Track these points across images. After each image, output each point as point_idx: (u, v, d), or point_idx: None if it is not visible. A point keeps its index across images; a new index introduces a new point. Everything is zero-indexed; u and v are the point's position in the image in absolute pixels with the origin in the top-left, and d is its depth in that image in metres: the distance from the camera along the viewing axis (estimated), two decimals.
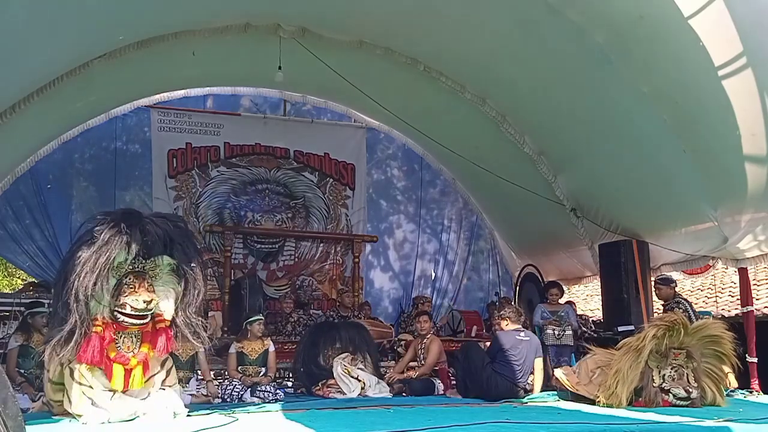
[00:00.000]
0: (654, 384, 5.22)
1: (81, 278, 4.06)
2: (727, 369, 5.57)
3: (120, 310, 4.25)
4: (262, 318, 6.69)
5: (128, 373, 4.30)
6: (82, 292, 4.06)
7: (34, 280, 8.64)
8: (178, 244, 4.44)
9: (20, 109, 5.99)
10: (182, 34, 6.60)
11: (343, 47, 7.21)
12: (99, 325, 4.22)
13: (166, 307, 4.43)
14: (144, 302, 4.25)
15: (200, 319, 4.51)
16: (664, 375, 5.24)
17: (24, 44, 5.03)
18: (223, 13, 6.60)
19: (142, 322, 4.34)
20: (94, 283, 4.10)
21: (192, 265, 4.48)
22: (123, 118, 8.80)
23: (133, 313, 4.26)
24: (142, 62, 6.69)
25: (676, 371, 5.24)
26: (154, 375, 4.50)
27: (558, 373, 5.84)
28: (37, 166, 8.07)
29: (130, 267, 4.31)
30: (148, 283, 4.33)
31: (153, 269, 4.38)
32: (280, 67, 6.83)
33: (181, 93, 8.71)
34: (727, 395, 6.21)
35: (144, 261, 4.35)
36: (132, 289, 4.26)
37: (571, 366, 7.23)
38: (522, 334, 6.22)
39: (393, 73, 7.63)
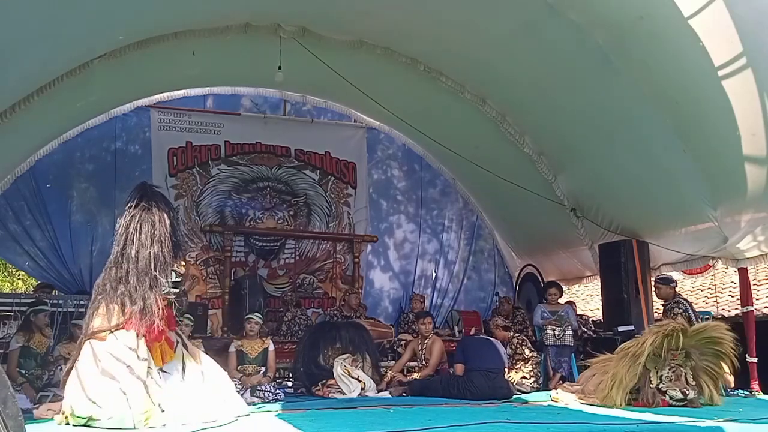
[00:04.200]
0: (651, 385, 5.22)
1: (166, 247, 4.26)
2: (725, 368, 5.57)
3: (171, 280, 4.33)
4: (254, 318, 6.61)
5: (160, 349, 4.34)
6: (161, 265, 4.21)
7: (36, 282, 8.63)
8: (171, 219, 4.56)
9: (20, 109, 5.99)
10: (182, 34, 6.60)
11: (343, 47, 7.21)
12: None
13: None
14: (183, 266, 4.50)
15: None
16: (661, 376, 5.23)
17: (24, 44, 5.03)
18: (223, 13, 6.60)
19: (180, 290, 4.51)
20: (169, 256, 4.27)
21: (179, 238, 4.70)
22: (123, 118, 8.78)
23: (177, 279, 4.40)
24: (142, 62, 6.68)
25: (673, 372, 5.22)
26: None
27: (561, 393, 5.86)
28: (37, 166, 8.05)
29: None
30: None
31: None
32: (280, 67, 6.82)
33: (181, 93, 8.70)
34: (727, 395, 6.22)
35: None
36: None
37: (570, 366, 7.28)
38: (478, 334, 6.41)
39: (393, 73, 7.63)
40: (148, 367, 4.18)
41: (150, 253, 4.20)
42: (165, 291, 4.32)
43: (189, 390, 4.34)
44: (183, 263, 4.47)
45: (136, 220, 4.28)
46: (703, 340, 5.32)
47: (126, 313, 4.15)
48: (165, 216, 4.35)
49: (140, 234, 4.23)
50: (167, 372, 4.32)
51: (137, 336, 4.17)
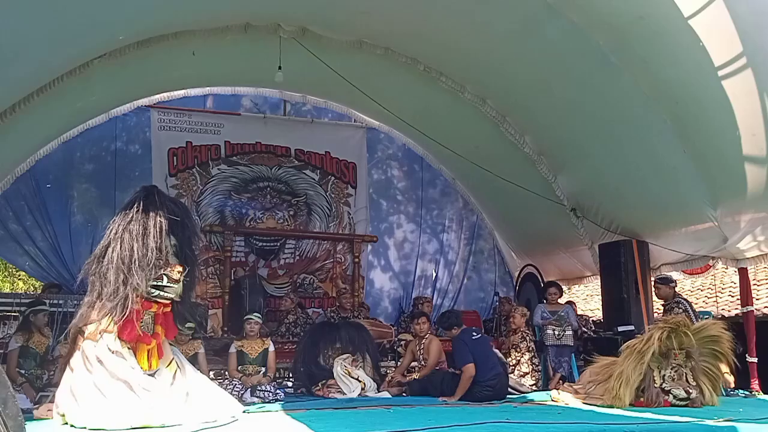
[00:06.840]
0: (655, 384, 5.24)
1: (139, 249, 4.14)
2: (724, 368, 5.58)
3: (157, 283, 4.23)
4: (253, 318, 6.58)
5: (149, 353, 4.31)
6: (139, 262, 4.11)
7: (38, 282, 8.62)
8: (182, 225, 4.47)
9: (20, 109, 5.98)
10: (182, 34, 6.60)
11: (343, 47, 7.21)
12: (138, 302, 4.22)
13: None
14: (179, 273, 4.28)
15: (197, 303, 4.54)
16: (664, 375, 5.27)
17: (24, 44, 5.03)
18: (223, 13, 6.60)
19: (173, 297, 4.35)
20: (151, 256, 4.15)
21: (193, 247, 4.53)
22: (123, 118, 8.78)
23: (169, 284, 4.26)
24: (142, 62, 6.68)
25: (675, 371, 5.26)
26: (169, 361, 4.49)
27: (561, 394, 5.85)
28: (37, 166, 8.04)
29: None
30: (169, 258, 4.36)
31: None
32: (280, 67, 6.83)
33: (181, 93, 8.69)
34: (727, 395, 6.23)
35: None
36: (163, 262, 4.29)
37: (570, 366, 7.29)
38: (474, 334, 6.34)
39: (393, 73, 7.63)
40: (132, 367, 4.16)
41: (130, 251, 4.13)
42: (151, 293, 4.25)
43: (180, 392, 4.33)
44: (179, 269, 4.29)
45: (129, 219, 4.23)
46: (704, 339, 5.34)
47: (107, 313, 4.13)
48: (162, 222, 4.27)
49: (129, 234, 4.18)
50: (154, 377, 4.29)
51: (118, 337, 4.17)
